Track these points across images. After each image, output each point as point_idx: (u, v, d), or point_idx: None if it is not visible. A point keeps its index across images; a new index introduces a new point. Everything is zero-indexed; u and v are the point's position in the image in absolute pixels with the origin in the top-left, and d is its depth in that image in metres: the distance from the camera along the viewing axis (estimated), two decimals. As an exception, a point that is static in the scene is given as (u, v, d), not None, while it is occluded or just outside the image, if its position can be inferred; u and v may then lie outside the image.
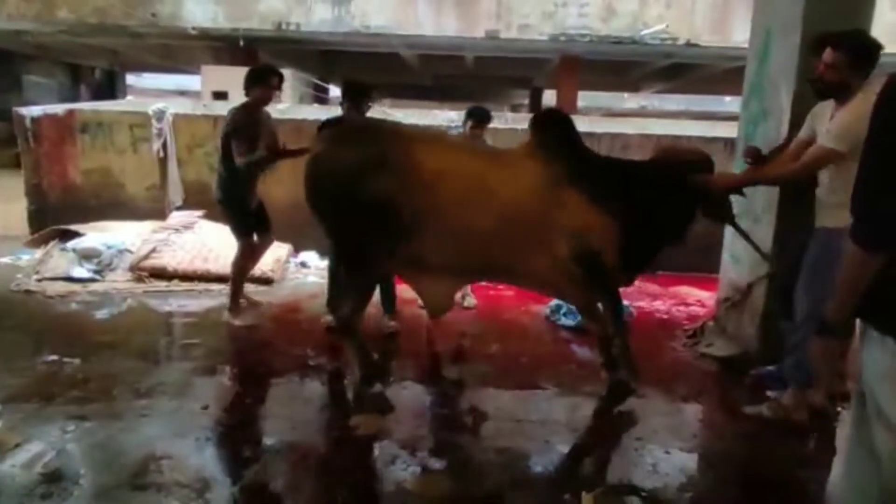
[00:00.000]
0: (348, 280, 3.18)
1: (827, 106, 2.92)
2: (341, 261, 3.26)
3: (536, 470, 2.58)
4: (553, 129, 3.15)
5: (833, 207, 2.76)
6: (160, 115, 6.36)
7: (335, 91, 18.97)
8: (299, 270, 5.65)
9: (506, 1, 9.96)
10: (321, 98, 15.53)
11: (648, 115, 19.34)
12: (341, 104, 4.11)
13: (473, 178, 2.94)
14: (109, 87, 16.62)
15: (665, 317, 4.80)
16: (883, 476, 1.44)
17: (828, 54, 2.77)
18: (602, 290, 3.13)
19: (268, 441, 2.63)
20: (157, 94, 18.48)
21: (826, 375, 2.76)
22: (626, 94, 18.40)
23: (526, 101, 19.49)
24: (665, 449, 2.70)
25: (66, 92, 15.65)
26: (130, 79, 19.40)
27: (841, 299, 1.53)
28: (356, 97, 3.96)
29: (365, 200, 2.81)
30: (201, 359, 3.52)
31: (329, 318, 4.05)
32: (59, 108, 6.57)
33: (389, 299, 4.13)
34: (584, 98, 17.60)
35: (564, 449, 2.81)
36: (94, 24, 10.45)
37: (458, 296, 4.48)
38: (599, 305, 3.21)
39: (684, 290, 5.41)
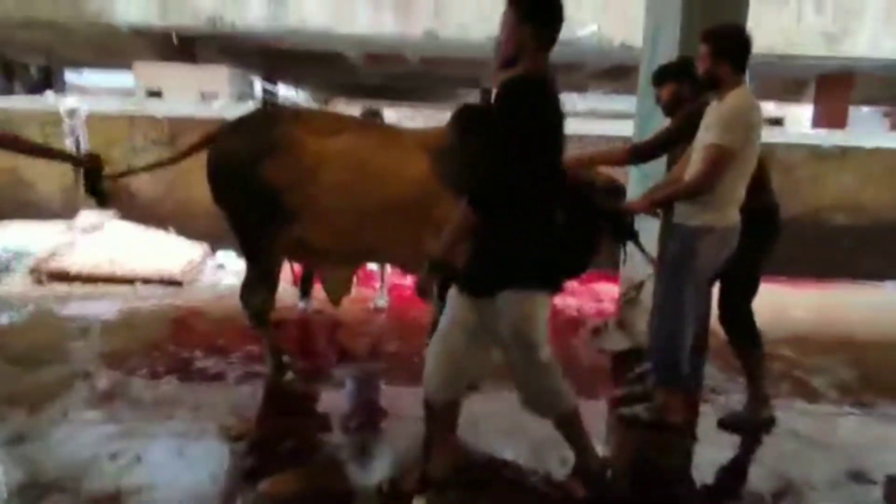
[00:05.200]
0: (252, 271, 3.17)
1: (711, 108, 2.92)
2: (242, 251, 3.24)
3: (397, 466, 2.55)
4: (467, 125, 3.07)
5: (699, 204, 2.69)
6: (72, 112, 6.16)
7: (288, 91, 18.74)
8: (215, 273, 5.52)
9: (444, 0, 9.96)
10: (269, 98, 15.26)
11: (599, 115, 19.60)
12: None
13: (357, 164, 2.95)
14: (45, 85, 16.02)
15: (574, 313, 4.84)
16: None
17: (700, 48, 2.81)
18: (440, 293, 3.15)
19: (129, 442, 2.53)
20: (102, 92, 17.91)
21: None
22: (575, 95, 18.57)
23: (477, 102, 19.53)
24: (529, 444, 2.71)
25: (-1, 90, 15.03)
26: (70, 76, 18.76)
27: (450, 245, 2.09)
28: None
29: (256, 187, 2.89)
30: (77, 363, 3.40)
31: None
32: (-37, 105, 6.30)
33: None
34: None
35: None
36: (20, 19, 10.07)
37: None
38: None
39: (602, 286, 5.47)
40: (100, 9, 10.12)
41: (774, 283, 5.43)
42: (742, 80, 2.74)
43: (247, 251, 3.14)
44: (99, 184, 2.94)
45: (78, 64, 16.49)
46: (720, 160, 2.60)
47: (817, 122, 12.43)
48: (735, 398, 3.24)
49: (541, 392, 2.20)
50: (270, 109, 3.25)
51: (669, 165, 3.37)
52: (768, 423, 3.01)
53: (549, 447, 2.57)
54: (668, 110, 3.15)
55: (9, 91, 15.51)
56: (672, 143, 3.15)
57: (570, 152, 3.98)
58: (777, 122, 16.50)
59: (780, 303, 5.04)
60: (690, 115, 2.93)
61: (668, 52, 3.56)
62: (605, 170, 3.28)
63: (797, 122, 15.35)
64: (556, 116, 2.06)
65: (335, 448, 2.68)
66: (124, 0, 10.07)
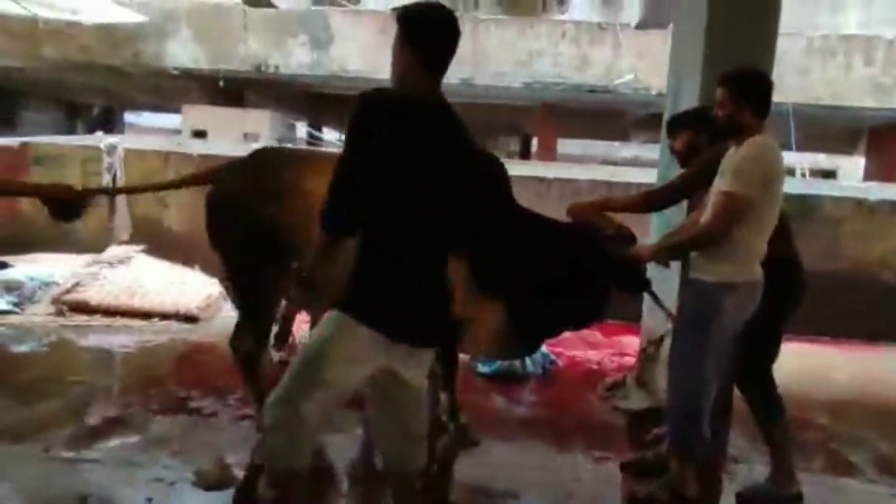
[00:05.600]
0: (245, 313, 3.09)
1: (729, 154, 2.77)
2: (236, 293, 3.18)
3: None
4: None
5: (714, 258, 2.52)
6: (111, 149, 6.39)
7: (331, 135, 19.24)
8: (233, 309, 5.51)
9: (481, 48, 10.08)
10: (313, 143, 15.63)
11: (641, 163, 19.39)
12: None
13: None
14: (105, 124, 16.91)
15: (595, 367, 4.61)
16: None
17: (718, 92, 2.69)
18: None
19: (101, 486, 2.46)
20: (158, 132, 18.77)
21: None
22: (617, 143, 18.45)
23: (518, 149, 19.62)
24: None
25: (62, 128, 15.91)
26: (130, 117, 19.75)
27: (313, 262, 2.03)
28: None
29: (260, 226, 2.82)
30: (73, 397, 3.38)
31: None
32: (14, 141, 6.64)
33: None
34: (579, 146, 17.67)
35: None
36: (78, 62, 10.70)
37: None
38: None
39: (626, 339, 5.21)
40: (154, 54, 10.68)
41: (815, 343, 5.09)
42: (763, 127, 2.59)
43: (243, 293, 3.07)
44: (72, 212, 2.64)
45: (135, 106, 17.38)
46: (731, 209, 2.43)
47: (869, 174, 11.93)
48: (759, 469, 2.96)
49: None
50: (274, 149, 3.24)
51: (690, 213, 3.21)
52: (794, 500, 2.72)
53: None
54: (683, 160, 3.01)
55: (72, 129, 16.43)
56: (687, 190, 3.00)
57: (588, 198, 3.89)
58: (830, 174, 15.96)
59: (819, 365, 4.70)
60: (708, 162, 2.78)
61: (690, 103, 3.43)
62: (623, 219, 3.13)
63: (851, 174, 14.81)
64: (423, 145, 1.84)
65: (327, 499, 2.56)
66: (176, 46, 10.61)
